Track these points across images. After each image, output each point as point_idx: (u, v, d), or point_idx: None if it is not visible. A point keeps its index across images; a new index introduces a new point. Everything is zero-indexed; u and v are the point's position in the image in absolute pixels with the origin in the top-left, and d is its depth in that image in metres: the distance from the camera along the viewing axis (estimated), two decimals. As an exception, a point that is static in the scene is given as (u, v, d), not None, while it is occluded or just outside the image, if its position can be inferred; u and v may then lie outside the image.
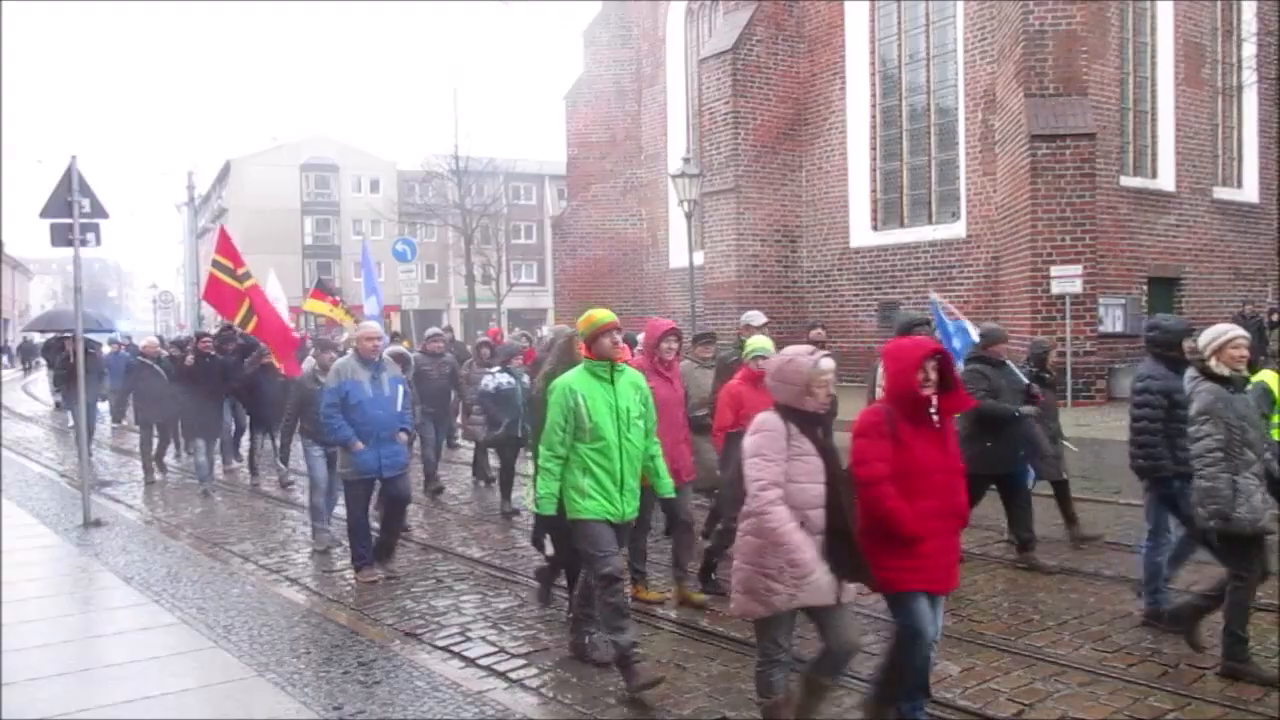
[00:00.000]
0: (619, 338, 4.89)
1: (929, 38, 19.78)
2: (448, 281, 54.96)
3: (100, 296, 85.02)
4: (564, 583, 5.75)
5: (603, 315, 4.85)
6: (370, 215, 52.66)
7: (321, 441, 7.69)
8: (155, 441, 12.23)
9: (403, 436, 6.89)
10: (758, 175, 21.04)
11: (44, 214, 8.81)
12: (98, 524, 8.61)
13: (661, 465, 5.12)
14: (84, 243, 8.81)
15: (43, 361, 39.11)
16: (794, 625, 3.92)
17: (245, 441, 12.41)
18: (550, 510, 4.74)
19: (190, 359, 11.09)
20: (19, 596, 6.31)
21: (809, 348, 3.87)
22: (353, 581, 7.05)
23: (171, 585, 6.61)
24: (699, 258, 20.49)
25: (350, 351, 6.98)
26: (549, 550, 5.70)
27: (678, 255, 23.79)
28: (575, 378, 4.79)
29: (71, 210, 8.67)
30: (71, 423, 14.58)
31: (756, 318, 8.59)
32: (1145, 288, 18.49)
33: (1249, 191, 20.88)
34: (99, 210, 8.90)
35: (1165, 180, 19.23)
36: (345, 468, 6.72)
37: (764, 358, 5.89)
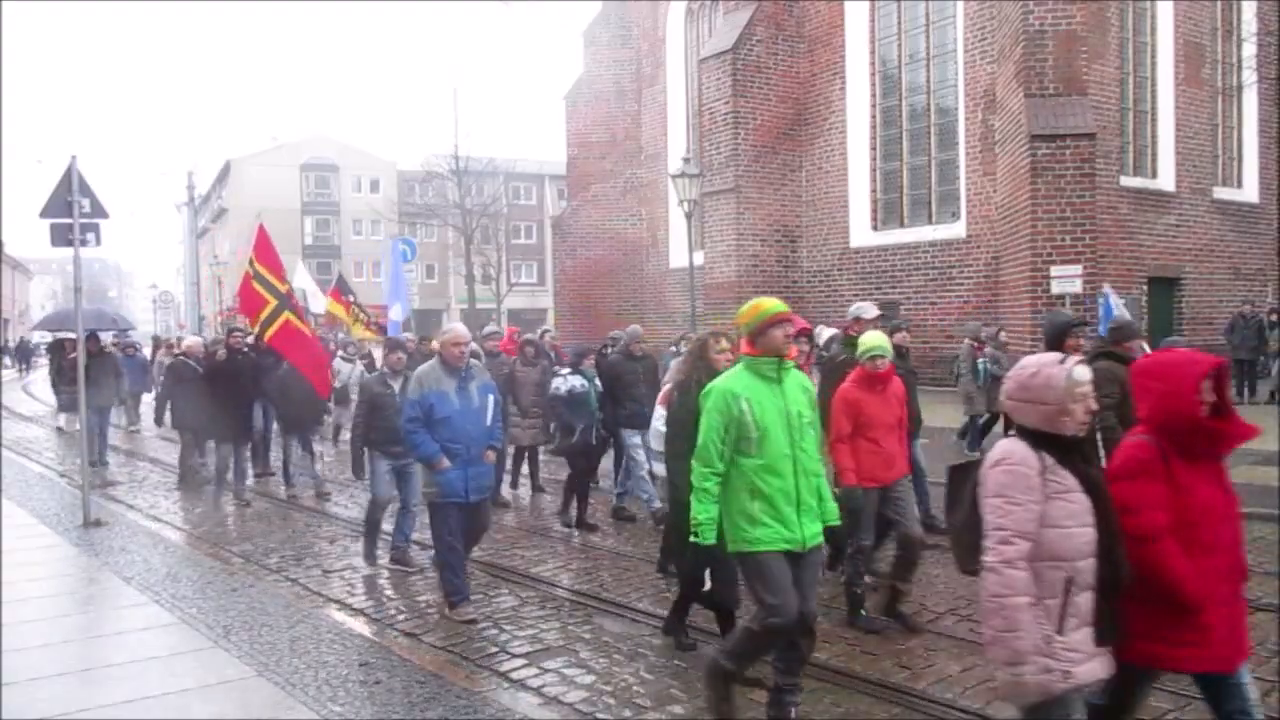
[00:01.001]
0: (792, 330, 4.22)
1: (929, 38, 19.78)
2: (448, 281, 55.00)
3: (100, 296, 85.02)
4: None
5: (772, 304, 4.12)
6: (370, 215, 52.72)
7: (389, 454, 7.18)
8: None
9: (491, 455, 6.15)
10: (758, 175, 21.04)
11: (44, 214, 8.81)
12: (98, 524, 8.61)
13: (825, 484, 4.29)
14: (84, 243, 8.81)
15: (42, 362, 39.22)
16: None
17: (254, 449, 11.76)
18: (712, 538, 4.06)
19: (222, 353, 10.42)
20: (19, 596, 6.31)
21: (1056, 355, 3.06)
22: (352, 581, 7.04)
23: (171, 585, 6.60)
24: (699, 258, 20.49)
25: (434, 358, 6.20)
26: (677, 578, 5.16)
27: (678, 255, 23.80)
28: (736, 380, 4.06)
29: (71, 210, 8.67)
30: (78, 425, 14.25)
31: (868, 310, 7.56)
32: (1145, 288, 18.50)
33: (1249, 191, 20.89)
34: (99, 210, 8.90)
35: (1165, 180, 19.24)
36: (430, 487, 5.89)
37: (881, 357, 5.54)
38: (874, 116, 20.65)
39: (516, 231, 55.24)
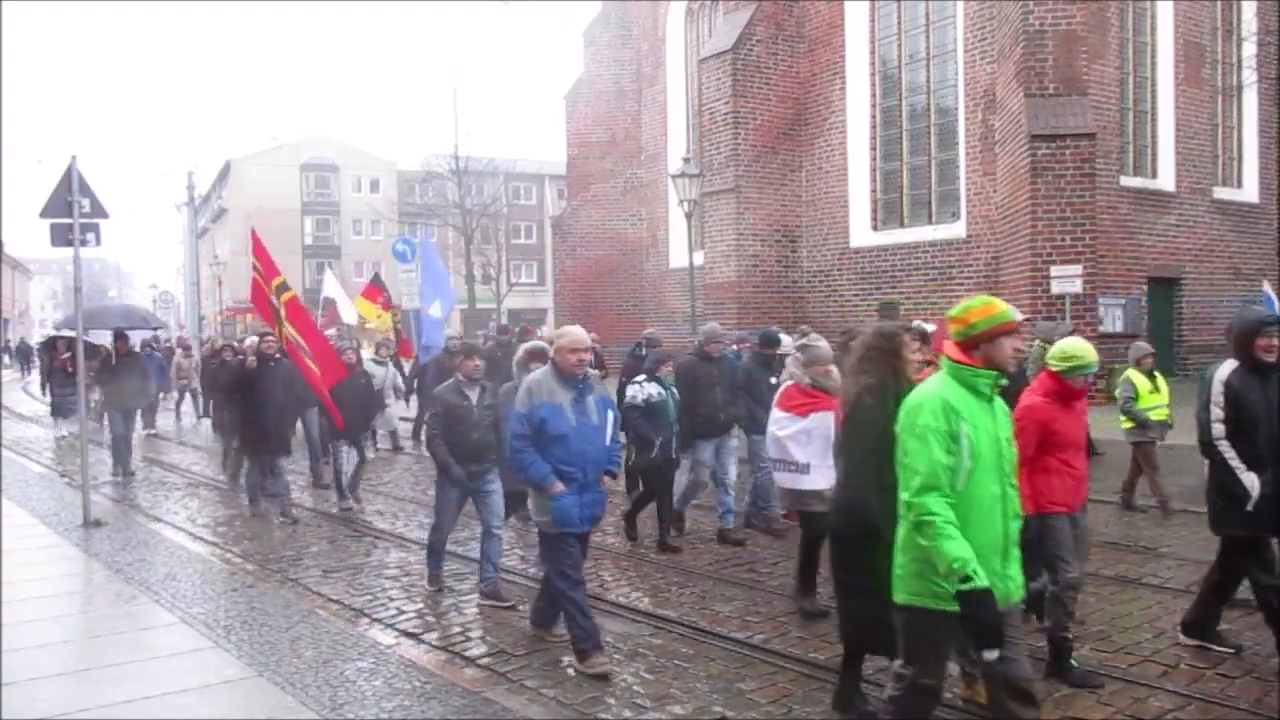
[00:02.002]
0: (1021, 344, 3.64)
1: (929, 38, 19.78)
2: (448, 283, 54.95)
3: (100, 296, 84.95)
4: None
5: (1005, 308, 3.44)
6: (370, 215, 52.72)
7: (455, 476, 6.37)
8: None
9: (608, 479, 5.36)
10: (758, 175, 21.04)
11: (44, 214, 8.81)
12: (98, 524, 8.61)
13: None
14: (84, 243, 8.81)
15: (36, 362, 39.19)
16: None
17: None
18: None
19: (252, 361, 9.51)
20: (19, 596, 6.31)
21: None
22: (352, 581, 7.04)
23: (171, 585, 6.61)
24: (699, 258, 20.49)
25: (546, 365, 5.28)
26: (842, 632, 4.38)
27: (678, 255, 23.80)
28: (948, 391, 3.32)
29: (71, 210, 8.67)
30: (109, 433, 12.79)
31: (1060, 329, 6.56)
32: (1145, 288, 18.50)
33: (1249, 191, 20.89)
34: (99, 210, 8.90)
35: (1165, 180, 19.24)
36: (542, 515, 5.13)
37: (1088, 370, 4.82)
38: (874, 116, 20.65)
39: (516, 231, 55.24)
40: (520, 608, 6.08)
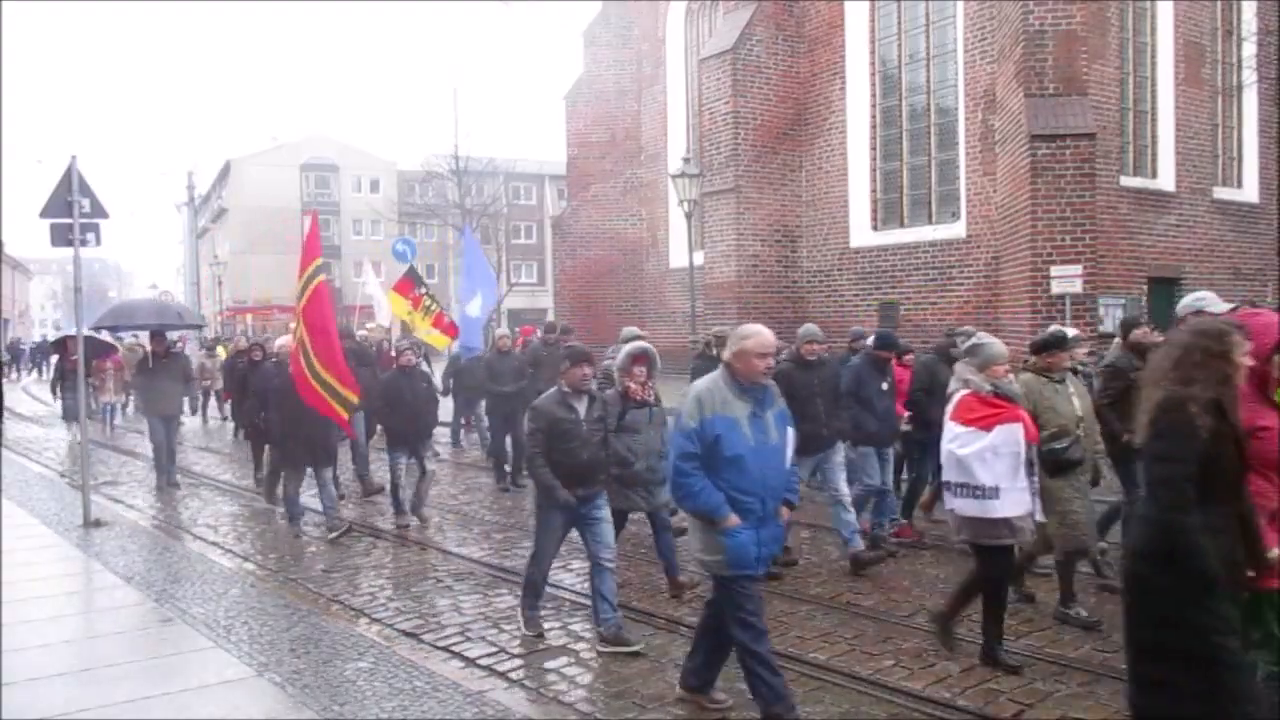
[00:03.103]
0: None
1: (929, 38, 19.77)
2: (448, 281, 54.97)
3: (100, 296, 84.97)
4: None
5: None
6: (370, 215, 52.71)
7: (561, 501, 5.52)
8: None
9: (786, 511, 4.47)
10: (758, 175, 21.03)
11: (44, 214, 8.82)
12: (98, 524, 8.61)
13: None
14: (84, 243, 8.81)
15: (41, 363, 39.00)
16: None
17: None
18: None
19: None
20: (19, 596, 6.31)
21: None
22: (352, 581, 7.04)
23: (171, 585, 6.61)
24: (699, 258, 20.48)
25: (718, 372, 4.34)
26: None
27: (678, 255, 23.79)
28: None
29: (71, 210, 8.68)
30: (148, 441, 11.94)
31: (1212, 302, 5.51)
32: (1145, 288, 18.49)
33: (1249, 191, 20.87)
34: (99, 210, 8.91)
35: (1165, 180, 19.22)
36: (712, 554, 4.20)
37: None
38: (874, 116, 20.65)
39: (516, 231, 55.25)
40: (651, 657, 5.27)
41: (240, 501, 10.45)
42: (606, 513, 5.74)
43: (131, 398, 18.33)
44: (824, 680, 4.85)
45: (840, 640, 5.49)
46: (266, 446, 10.36)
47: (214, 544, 8.37)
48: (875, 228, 20.67)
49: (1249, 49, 19.17)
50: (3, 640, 5.35)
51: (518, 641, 5.56)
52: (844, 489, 7.21)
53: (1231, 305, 5.54)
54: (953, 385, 5.23)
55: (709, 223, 21.30)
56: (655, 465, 6.30)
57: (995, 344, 5.19)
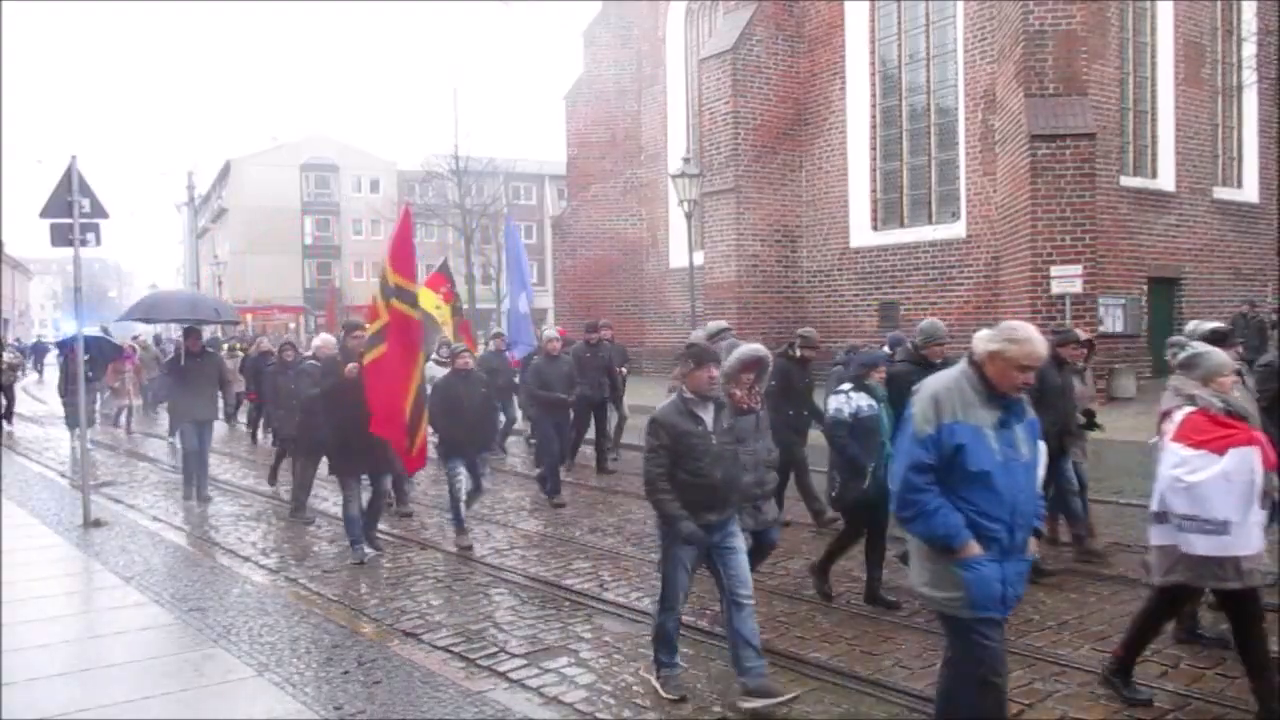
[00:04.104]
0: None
1: (929, 38, 19.78)
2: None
3: (100, 296, 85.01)
4: None
5: None
6: (370, 215, 52.73)
7: (686, 534, 4.66)
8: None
9: (1034, 543, 3.75)
10: (758, 175, 21.03)
11: (44, 214, 8.82)
12: (98, 524, 8.61)
13: None
14: (84, 243, 8.81)
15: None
16: None
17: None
18: None
19: (353, 369, 7.49)
20: (19, 596, 6.31)
21: None
22: (352, 581, 7.03)
23: (171, 585, 6.60)
24: (699, 258, 20.48)
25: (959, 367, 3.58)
26: None
27: (678, 255, 23.79)
28: None
29: (71, 210, 8.68)
30: (178, 448, 11.22)
31: None
32: (1145, 288, 18.50)
33: (1249, 191, 20.88)
34: (99, 210, 8.91)
35: (1165, 180, 19.23)
36: (947, 590, 3.45)
37: None
38: (874, 116, 20.65)
39: (516, 231, 55.21)
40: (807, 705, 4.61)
41: (240, 501, 10.44)
42: (741, 541, 4.91)
43: (143, 400, 18.05)
44: (824, 680, 4.85)
45: (840, 640, 5.49)
46: (292, 454, 9.88)
47: (214, 544, 8.37)
48: (875, 228, 20.68)
49: (1249, 49, 19.18)
50: (3, 640, 5.35)
51: (518, 641, 5.56)
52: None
53: None
54: (1169, 400, 4.58)
55: (709, 223, 21.30)
56: (763, 478, 5.78)
57: (1216, 353, 4.55)
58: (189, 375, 10.31)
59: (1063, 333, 7.47)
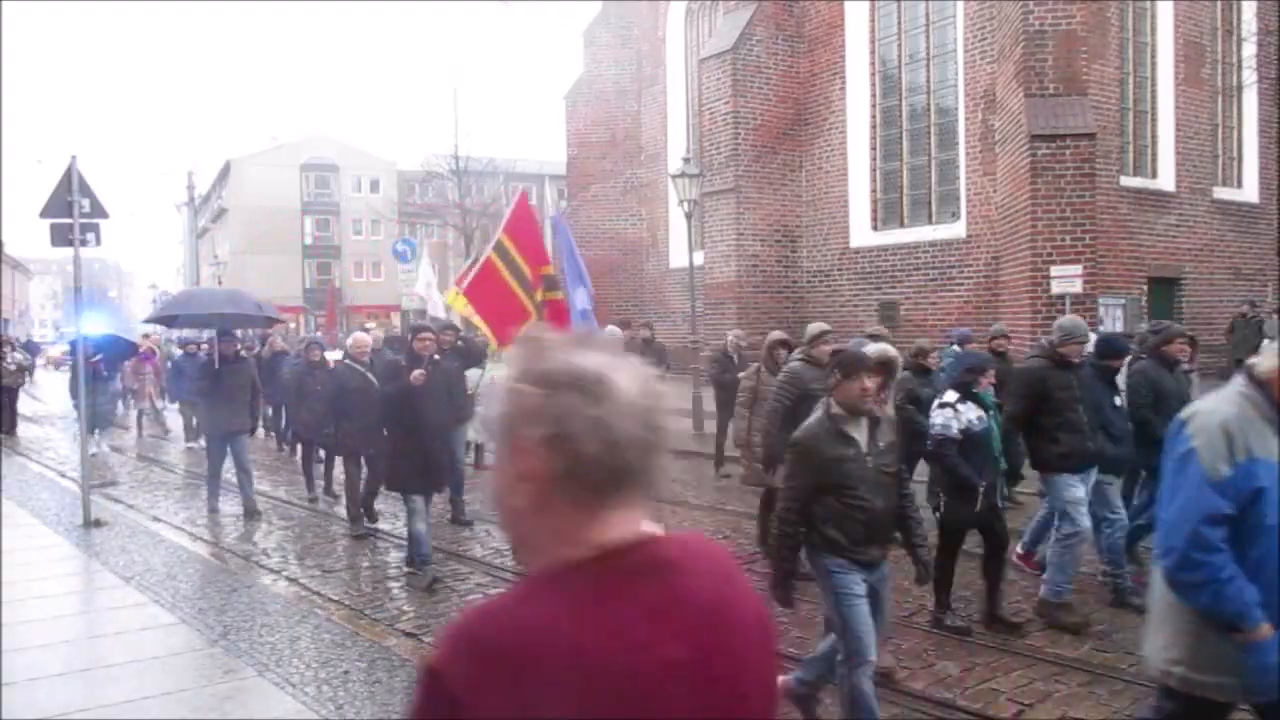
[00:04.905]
0: None
1: (929, 38, 19.78)
2: (448, 281, 54.89)
3: (100, 296, 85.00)
4: None
5: None
6: (370, 215, 52.71)
7: (855, 560, 4.05)
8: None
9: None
10: (758, 175, 21.04)
11: (44, 214, 8.82)
12: (98, 524, 8.61)
13: None
14: (84, 243, 8.82)
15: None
16: None
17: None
18: None
19: (419, 375, 6.93)
20: (19, 596, 6.31)
21: None
22: (352, 581, 7.03)
23: (171, 585, 6.60)
24: (699, 258, 20.47)
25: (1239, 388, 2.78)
26: None
27: (678, 255, 23.79)
28: None
29: (71, 210, 8.68)
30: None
31: None
32: (1145, 288, 18.50)
33: (1249, 191, 20.88)
34: (99, 210, 8.91)
35: (1165, 180, 19.23)
36: (1219, 674, 2.72)
37: None
38: (874, 116, 20.65)
39: (516, 231, 55.17)
40: None
41: (239, 501, 10.44)
42: (889, 584, 4.25)
43: (163, 403, 17.48)
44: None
45: (840, 640, 5.48)
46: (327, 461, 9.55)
47: (214, 544, 8.37)
48: (875, 228, 20.68)
49: (1249, 49, 19.17)
50: (3, 640, 5.35)
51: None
52: (1118, 505, 6.18)
53: None
54: None
55: (709, 223, 21.30)
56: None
57: None
58: (222, 382, 9.46)
59: (1164, 329, 6.64)
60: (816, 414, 4.18)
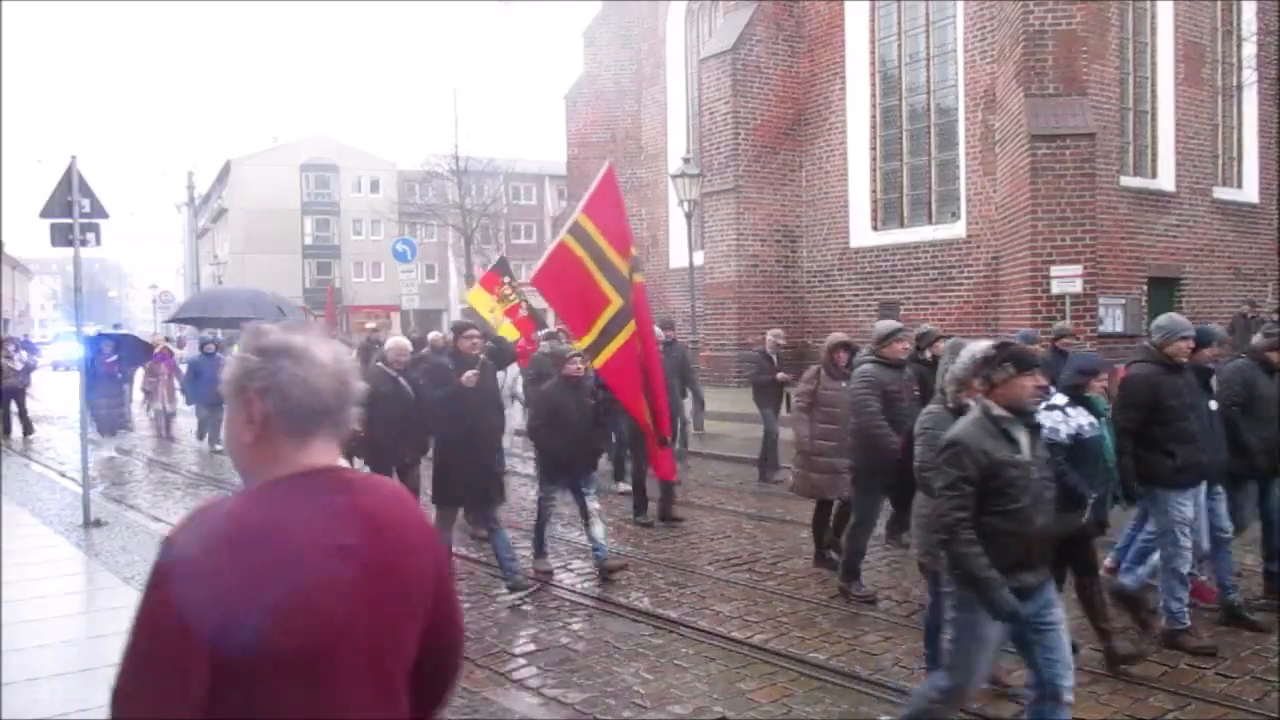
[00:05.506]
0: None
1: (929, 38, 19.77)
2: (448, 281, 55.02)
3: (100, 296, 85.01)
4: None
5: None
6: (370, 215, 52.72)
7: (999, 604, 3.45)
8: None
9: None
10: (758, 175, 21.04)
11: (44, 214, 8.82)
12: (98, 524, 8.60)
13: None
14: (84, 243, 8.81)
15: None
16: None
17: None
18: None
19: (472, 377, 6.47)
20: (19, 596, 6.30)
21: None
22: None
23: (171, 585, 6.59)
24: (699, 258, 20.48)
25: None
26: None
27: (678, 255, 23.78)
28: None
29: (71, 210, 8.68)
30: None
31: None
32: (1145, 288, 18.50)
33: (1249, 191, 20.88)
34: (99, 210, 8.91)
35: (1165, 180, 19.23)
36: None
37: None
38: (874, 116, 20.65)
39: (516, 231, 55.25)
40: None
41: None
42: (1060, 612, 3.70)
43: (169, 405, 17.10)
44: (824, 680, 4.85)
45: (840, 640, 5.49)
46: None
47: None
48: (875, 228, 20.68)
49: (1249, 49, 19.17)
50: (3, 640, 5.34)
51: (518, 641, 5.56)
52: (1227, 526, 5.69)
53: None
54: None
55: (709, 223, 21.30)
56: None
57: None
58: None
59: (1276, 332, 6.15)
60: (971, 414, 3.69)
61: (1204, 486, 5.42)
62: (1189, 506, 5.27)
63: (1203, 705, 4.46)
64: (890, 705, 4.54)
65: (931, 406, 4.54)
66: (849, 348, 6.92)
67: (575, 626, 5.84)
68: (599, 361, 6.46)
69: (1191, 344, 5.39)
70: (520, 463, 11.74)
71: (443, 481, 6.52)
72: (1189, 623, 5.21)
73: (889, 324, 6.46)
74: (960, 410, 4.16)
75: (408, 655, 1.60)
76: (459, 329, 7.08)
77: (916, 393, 6.35)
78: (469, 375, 6.35)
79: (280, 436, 1.52)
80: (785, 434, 9.97)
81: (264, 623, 1.37)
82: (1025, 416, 3.59)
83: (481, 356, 6.76)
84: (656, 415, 6.68)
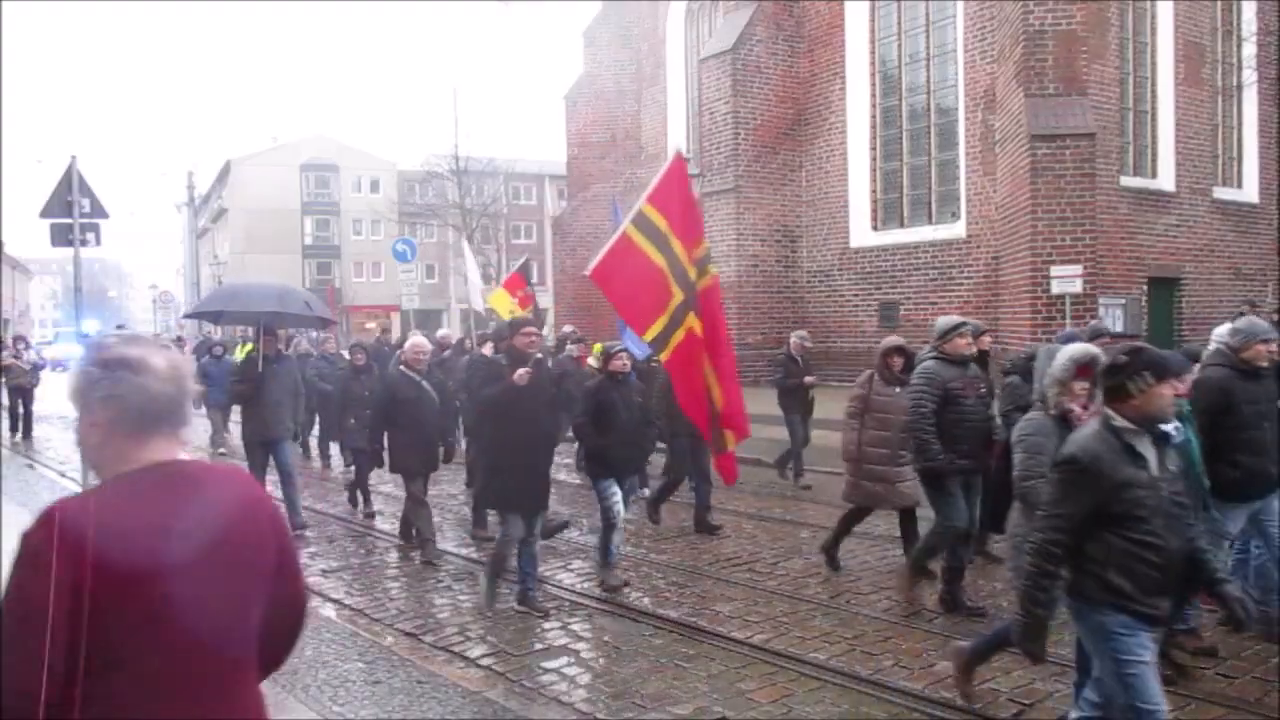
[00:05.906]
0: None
1: (929, 38, 19.78)
2: (448, 281, 55.00)
3: (100, 296, 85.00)
4: None
5: None
6: (370, 215, 52.72)
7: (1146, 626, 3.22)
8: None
9: None
10: (758, 175, 21.04)
11: (44, 214, 8.84)
12: (98, 524, 8.57)
13: None
14: (84, 243, 8.83)
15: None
16: None
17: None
18: None
19: (523, 375, 6.03)
20: (19, 596, 6.30)
21: None
22: (352, 581, 7.03)
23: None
24: (699, 258, 20.46)
25: None
26: None
27: (678, 255, 23.78)
28: None
29: (71, 210, 8.69)
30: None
31: None
32: (1145, 288, 18.50)
33: (1249, 191, 20.88)
34: (99, 210, 8.93)
35: (1165, 180, 19.23)
36: None
37: None
38: (874, 116, 20.65)
39: (516, 231, 55.26)
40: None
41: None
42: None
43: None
44: (824, 680, 4.85)
45: (840, 640, 5.49)
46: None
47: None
48: (875, 228, 20.68)
49: (1249, 49, 19.17)
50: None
51: (518, 641, 5.56)
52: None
53: None
54: None
55: (709, 223, 21.27)
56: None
57: None
58: (266, 384, 8.32)
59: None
60: (1091, 427, 3.30)
61: (1273, 502, 5.03)
62: (1240, 521, 5.01)
63: (1203, 705, 4.46)
64: (890, 705, 4.54)
65: (1032, 414, 4.20)
66: (903, 352, 6.63)
67: (575, 626, 5.84)
68: (665, 354, 6.22)
69: (1273, 348, 5.04)
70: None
71: (498, 485, 6.16)
72: (1191, 623, 5.10)
73: (950, 319, 6.11)
74: (1063, 416, 3.92)
75: (250, 623, 1.77)
76: (515, 325, 6.58)
77: (983, 389, 6.05)
78: (521, 373, 6.00)
79: (122, 437, 1.70)
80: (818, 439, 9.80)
81: (114, 601, 1.55)
82: (1153, 428, 3.19)
83: (539, 355, 6.46)
84: (725, 416, 6.38)
